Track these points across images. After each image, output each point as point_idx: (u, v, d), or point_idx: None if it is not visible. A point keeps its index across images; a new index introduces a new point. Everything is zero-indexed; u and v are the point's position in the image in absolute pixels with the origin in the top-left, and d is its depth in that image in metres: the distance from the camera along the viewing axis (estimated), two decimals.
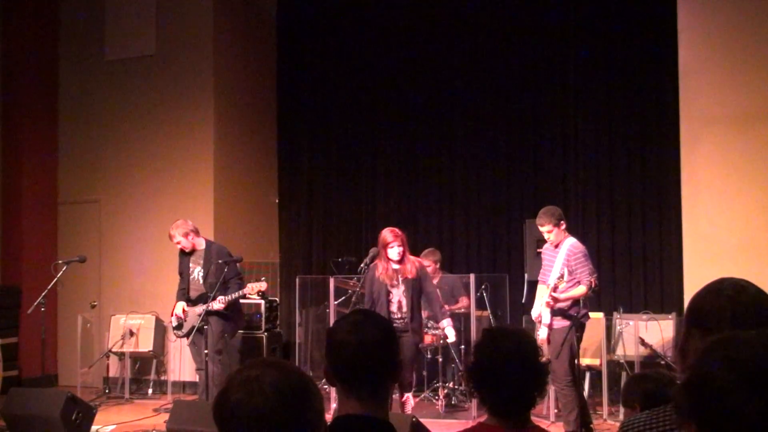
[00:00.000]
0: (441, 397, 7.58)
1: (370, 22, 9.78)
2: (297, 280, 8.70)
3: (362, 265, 6.35)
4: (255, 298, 8.06)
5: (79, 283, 9.03)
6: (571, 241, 6.04)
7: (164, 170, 9.20)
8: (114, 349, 8.71)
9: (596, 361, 7.28)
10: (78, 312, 8.96)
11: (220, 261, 6.98)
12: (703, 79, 7.08)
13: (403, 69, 9.59)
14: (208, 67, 9.13)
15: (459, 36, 9.35)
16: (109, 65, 9.55)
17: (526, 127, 9.10)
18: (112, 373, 9.09)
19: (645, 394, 2.95)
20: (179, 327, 7.18)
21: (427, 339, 7.60)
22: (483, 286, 7.75)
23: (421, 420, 5.12)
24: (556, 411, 6.87)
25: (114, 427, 7.03)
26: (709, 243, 6.91)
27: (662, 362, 6.83)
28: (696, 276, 6.67)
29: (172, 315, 7.26)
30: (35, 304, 7.01)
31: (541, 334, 5.87)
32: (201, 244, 7.23)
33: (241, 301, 7.24)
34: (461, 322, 7.81)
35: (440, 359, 7.71)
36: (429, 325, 7.44)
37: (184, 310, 7.12)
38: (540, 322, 5.95)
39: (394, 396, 5.96)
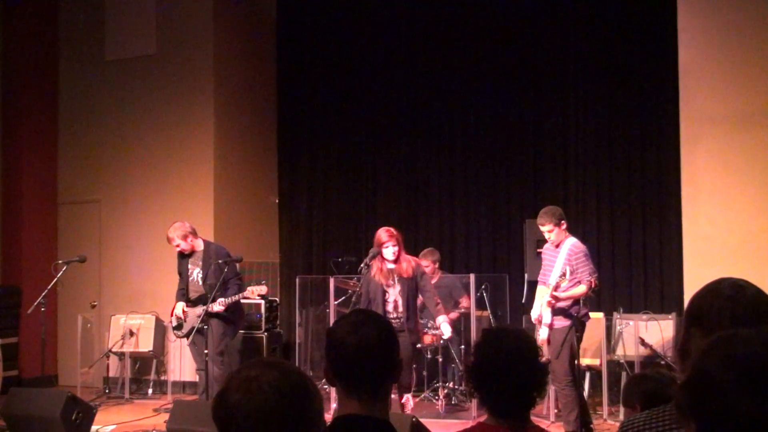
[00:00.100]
0: (441, 397, 7.58)
1: (370, 21, 9.78)
2: (297, 280, 8.70)
3: (362, 265, 6.35)
4: (255, 299, 8.06)
5: (79, 283, 9.03)
6: (572, 241, 6.05)
7: (164, 170, 9.20)
8: (114, 349, 8.71)
9: (596, 361, 7.28)
10: (78, 312, 8.96)
11: (219, 261, 6.98)
12: (703, 79, 7.08)
13: (403, 69, 9.58)
14: (208, 67, 9.13)
15: (459, 36, 9.34)
16: (109, 65, 9.56)
17: (526, 127, 9.09)
18: (112, 373, 9.09)
19: (645, 394, 2.95)
20: (179, 327, 7.18)
21: (427, 339, 7.61)
22: (483, 286, 7.75)
23: (421, 420, 5.12)
24: (556, 411, 6.87)
25: (114, 427, 7.03)
26: (709, 243, 6.91)
27: (662, 362, 6.83)
28: (696, 276, 6.66)
29: (171, 315, 7.27)
30: (35, 304, 7.01)
31: (542, 334, 5.87)
32: (199, 245, 7.23)
33: (242, 301, 7.24)
34: (461, 322, 7.82)
35: (440, 359, 7.71)
36: (429, 325, 7.44)
37: (183, 311, 7.12)
38: (540, 323, 5.95)
39: (393, 397, 5.96)
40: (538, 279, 6.30)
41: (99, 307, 9.18)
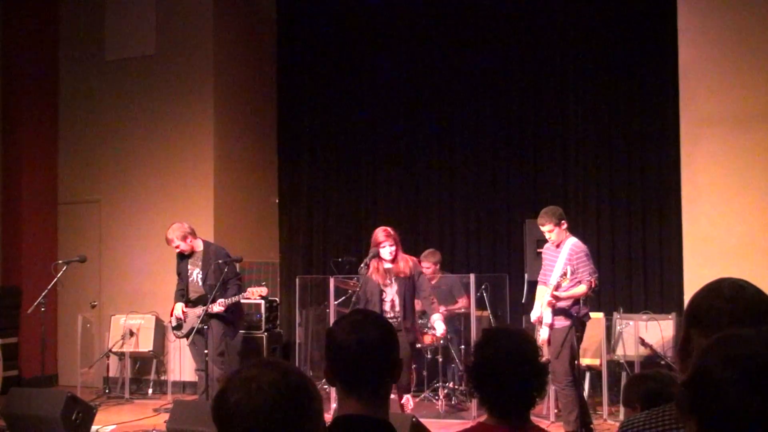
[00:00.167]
0: (441, 397, 7.57)
1: (370, 21, 9.79)
2: (297, 280, 8.70)
3: (362, 265, 6.35)
4: (255, 299, 8.06)
5: (79, 283, 9.03)
6: (573, 241, 6.05)
7: (164, 170, 9.20)
8: (114, 349, 8.71)
9: (596, 361, 7.28)
10: (78, 312, 8.96)
11: (219, 261, 6.98)
12: (703, 79, 7.08)
13: (403, 69, 9.58)
14: (208, 67, 9.13)
15: (459, 36, 9.34)
16: (109, 65, 9.55)
17: (526, 127, 9.09)
18: (112, 373, 9.09)
19: (645, 394, 2.95)
20: (178, 328, 7.18)
21: (427, 339, 7.61)
22: (483, 286, 7.75)
23: (421, 420, 5.12)
24: (556, 411, 6.87)
25: (114, 427, 7.03)
26: (709, 243, 6.91)
27: (662, 362, 6.83)
28: (696, 276, 6.67)
29: (171, 316, 7.27)
30: (35, 304, 7.00)
31: (543, 334, 5.87)
32: (199, 246, 7.22)
33: (242, 301, 7.23)
34: (461, 322, 7.82)
35: (440, 359, 7.71)
36: (429, 325, 7.44)
37: (183, 311, 7.11)
38: (540, 323, 5.95)
39: (393, 397, 5.96)
40: (538, 279, 6.31)
41: (99, 307, 9.18)
